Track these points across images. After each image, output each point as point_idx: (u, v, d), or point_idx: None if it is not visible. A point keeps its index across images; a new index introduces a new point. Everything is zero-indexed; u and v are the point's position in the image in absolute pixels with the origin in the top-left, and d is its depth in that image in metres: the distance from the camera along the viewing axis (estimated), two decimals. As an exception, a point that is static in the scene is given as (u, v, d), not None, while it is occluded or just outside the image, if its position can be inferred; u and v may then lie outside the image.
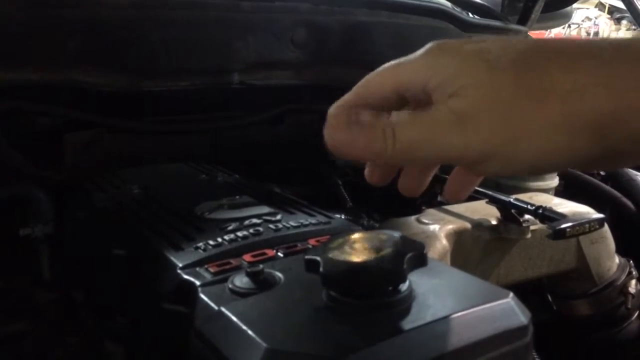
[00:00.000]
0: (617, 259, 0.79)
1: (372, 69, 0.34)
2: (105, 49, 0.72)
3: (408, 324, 0.35)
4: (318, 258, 0.36)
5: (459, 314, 0.36)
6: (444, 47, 0.31)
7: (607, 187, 0.94)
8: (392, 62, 0.33)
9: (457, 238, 0.65)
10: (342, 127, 0.32)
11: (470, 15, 1.40)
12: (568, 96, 0.28)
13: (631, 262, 0.81)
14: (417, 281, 0.39)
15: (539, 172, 0.30)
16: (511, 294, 0.40)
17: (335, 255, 0.36)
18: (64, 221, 0.72)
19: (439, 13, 1.05)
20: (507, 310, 0.39)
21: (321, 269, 0.36)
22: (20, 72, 0.68)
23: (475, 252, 0.66)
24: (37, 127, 0.76)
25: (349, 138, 0.32)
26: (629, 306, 0.76)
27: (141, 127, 0.77)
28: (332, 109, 0.34)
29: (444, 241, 0.62)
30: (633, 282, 0.78)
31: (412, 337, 0.34)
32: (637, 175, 0.95)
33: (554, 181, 0.87)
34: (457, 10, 1.24)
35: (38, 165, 0.77)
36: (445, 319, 0.36)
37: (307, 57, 0.89)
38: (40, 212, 0.73)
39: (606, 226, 0.75)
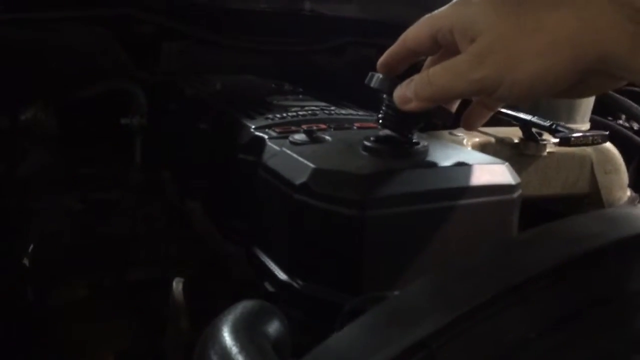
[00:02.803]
0: (629, 192, 0.87)
1: (428, 10, 0.46)
2: None
3: (422, 165, 0.48)
4: None
5: (463, 166, 0.48)
6: None
7: (636, 137, 1.01)
8: (428, 14, 0.45)
9: (482, 150, 0.75)
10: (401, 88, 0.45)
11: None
12: (552, 31, 0.37)
13: (644, 197, 0.89)
14: (433, 146, 0.51)
15: (535, 94, 0.41)
16: (507, 163, 0.51)
17: None
18: (156, 114, 0.87)
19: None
20: (502, 172, 0.50)
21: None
22: None
23: (496, 164, 0.76)
24: (140, 34, 0.91)
25: (402, 94, 0.44)
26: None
27: (224, 41, 0.91)
28: (382, 58, 0.48)
29: (470, 149, 0.73)
30: (642, 212, 0.86)
31: (425, 173, 0.47)
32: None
33: (585, 125, 0.96)
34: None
35: (138, 66, 0.92)
36: (451, 166, 0.48)
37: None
38: (137, 105, 0.88)
39: (621, 160, 0.83)
